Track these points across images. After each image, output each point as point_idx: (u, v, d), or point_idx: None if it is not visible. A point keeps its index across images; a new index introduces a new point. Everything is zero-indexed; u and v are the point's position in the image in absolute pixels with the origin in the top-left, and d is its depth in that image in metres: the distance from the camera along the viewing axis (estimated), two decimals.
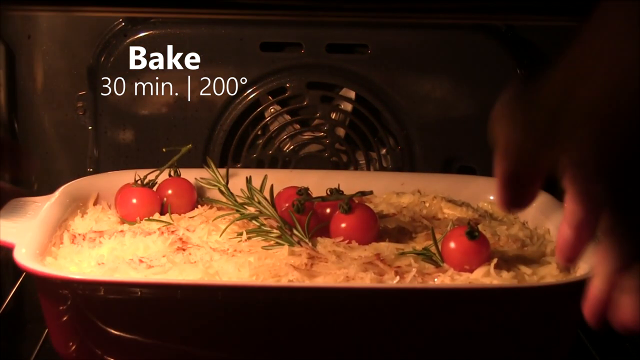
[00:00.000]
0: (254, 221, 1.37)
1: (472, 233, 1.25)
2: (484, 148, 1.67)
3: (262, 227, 1.35)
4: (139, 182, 1.45)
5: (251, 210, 1.39)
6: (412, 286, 1.21)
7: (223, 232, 1.34)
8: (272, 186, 1.38)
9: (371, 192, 1.40)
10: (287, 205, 1.36)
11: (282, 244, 1.30)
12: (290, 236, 1.31)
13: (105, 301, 1.17)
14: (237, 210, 1.40)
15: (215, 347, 1.19)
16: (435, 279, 1.23)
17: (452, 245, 1.25)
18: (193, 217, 1.43)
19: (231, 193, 1.43)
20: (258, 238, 1.32)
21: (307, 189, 1.38)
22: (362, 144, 1.68)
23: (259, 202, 1.38)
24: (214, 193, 1.49)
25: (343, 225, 1.33)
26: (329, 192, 1.39)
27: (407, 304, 1.17)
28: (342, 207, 1.34)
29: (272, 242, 1.31)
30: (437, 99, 1.67)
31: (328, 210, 1.38)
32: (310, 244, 1.31)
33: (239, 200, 1.42)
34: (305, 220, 1.32)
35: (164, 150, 1.52)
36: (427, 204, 1.49)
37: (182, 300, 1.17)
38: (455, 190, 1.54)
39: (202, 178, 1.48)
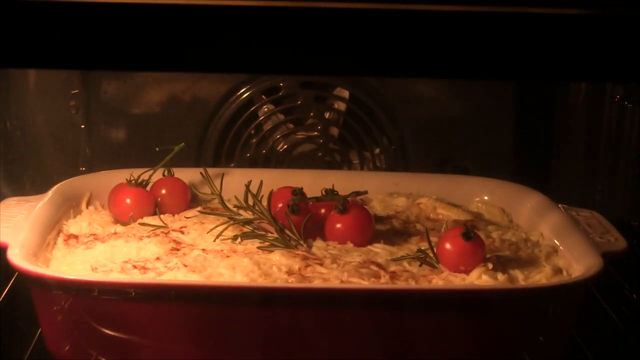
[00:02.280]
0: (247, 226, 1.35)
1: (468, 234, 1.25)
2: (477, 148, 1.69)
3: (256, 231, 1.34)
4: (133, 181, 1.44)
5: (245, 215, 1.37)
6: (407, 287, 1.21)
7: (217, 237, 1.32)
8: (270, 192, 1.37)
9: (366, 192, 1.40)
10: (281, 205, 1.36)
11: (277, 246, 1.29)
12: (285, 238, 1.30)
13: (98, 301, 1.17)
14: (231, 218, 1.37)
15: (208, 348, 1.19)
16: (432, 281, 1.23)
17: (448, 246, 1.25)
18: (187, 217, 1.42)
19: (225, 205, 1.41)
20: (253, 240, 1.32)
21: (301, 189, 1.37)
22: (356, 143, 1.68)
23: (254, 206, 1.36)
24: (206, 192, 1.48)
25: (338, 225, 1.33)
26: (323, 193, 1.38)
27: (402, 305, 1.18)
28: (338, 207, 1.33)
29: (266, 244, 1.30)
30: (431, 98, 1.67)
31: (323, 211, 1.37)
32: (305, 245, 1.30)
33: (233, 203, 1.41)
34: (299, 221, 1.31)
35: (157, 149, 1.51)
36: (421, 205, 1.48)
37: (175, 300, 1.17)
38: (449, 190, 1.53)
39: (200, 192, 1.47)
